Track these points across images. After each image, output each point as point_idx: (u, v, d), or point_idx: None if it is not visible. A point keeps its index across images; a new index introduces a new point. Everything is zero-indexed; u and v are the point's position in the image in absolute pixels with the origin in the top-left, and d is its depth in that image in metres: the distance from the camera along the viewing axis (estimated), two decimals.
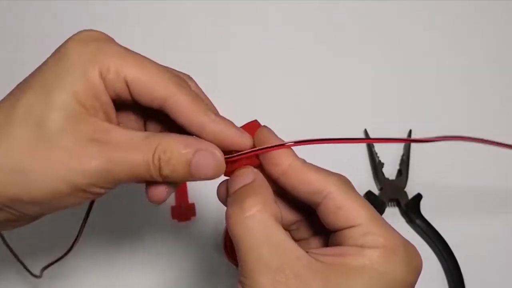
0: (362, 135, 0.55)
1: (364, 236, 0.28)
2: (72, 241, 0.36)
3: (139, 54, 0.30)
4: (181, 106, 0.29)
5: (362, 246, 0.27)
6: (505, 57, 0.59)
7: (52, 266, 0.39)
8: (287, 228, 0.33)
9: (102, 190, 0.29)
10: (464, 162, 0.54)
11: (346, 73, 0.57)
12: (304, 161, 0.30)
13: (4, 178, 0.27)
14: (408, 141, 0.54)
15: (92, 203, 0.34)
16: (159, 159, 0.28)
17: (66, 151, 0.27)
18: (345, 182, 0.29)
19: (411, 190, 0.51)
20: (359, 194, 0.29)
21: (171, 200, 0.50)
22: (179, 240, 0.50)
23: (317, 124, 0.55)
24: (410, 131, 0.54)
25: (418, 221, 0.50)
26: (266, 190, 0.29)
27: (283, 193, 0.31)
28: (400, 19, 0.60)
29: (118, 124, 0.31)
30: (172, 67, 0.32)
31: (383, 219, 0.29)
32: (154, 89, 0.29)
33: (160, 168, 0.28)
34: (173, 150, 0.28)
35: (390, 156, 0.53)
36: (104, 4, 0.58)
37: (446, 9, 0.60)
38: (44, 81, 0.28)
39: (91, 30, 0.30)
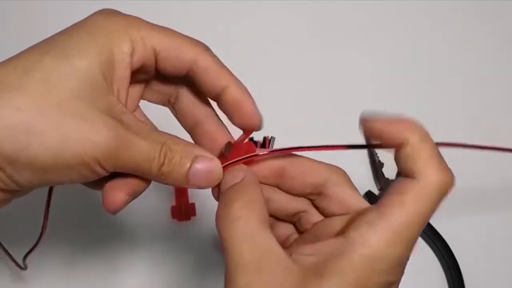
0: (362, 135, 0.54)
1: (351, 226, 0.28)
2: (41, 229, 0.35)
3: (165, 26, 0.30)
4: (209, 67, 0.30)
5: (345, 236, 0.27)
6: (506, 57, 0.59)
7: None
8: (290, 219, 0.34)
9: (100, 171, 0.28)
10: (464, 161, 0.54)
11: (346, 73, 0.57)
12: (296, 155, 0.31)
13: (6, 132, 0.25)
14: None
15: (51, 189, 0.33)
16: (165, 155, 0.28)
17: (80, 118, 0.26)
18: (341, 172, 0.32)
19: None
20: (353, 184, 0.31)
21: (171, 200, 0.50)
22: (179, 240, 0.50)
23: (317, 124, 0.55)
24: None
25: None
26: (254, 190, 0.29)
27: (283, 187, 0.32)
28: (400, 18, 0.60)
29: (144, 98, 0.32)
30: None
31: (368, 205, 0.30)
32: (184, 53, 0.29)
33: (162, 164, 0.28)
34: (179, 150, 0.29)
35: (390, 156, 0.53)
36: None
37: (447, 8, 0.60)
38: (68, 46, 0.27)
39: (109, 8, 0.30)
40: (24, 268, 0.41)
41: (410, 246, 0.27)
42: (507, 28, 0.61)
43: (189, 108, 0.33)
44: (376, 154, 0.53)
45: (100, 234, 0.49)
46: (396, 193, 0.28)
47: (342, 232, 0.28)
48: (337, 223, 0.30)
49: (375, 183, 0.53)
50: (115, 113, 0.28)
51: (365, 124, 0.31)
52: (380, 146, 0.30)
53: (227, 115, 0.31)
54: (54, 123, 0.26)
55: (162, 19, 0.60)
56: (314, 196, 0.32)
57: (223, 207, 0.29)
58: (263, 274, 0.26)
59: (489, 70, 0.58)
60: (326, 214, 0.31)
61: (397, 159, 0.30)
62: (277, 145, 0.46)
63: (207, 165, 0.29)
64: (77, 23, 0.29)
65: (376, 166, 0.52)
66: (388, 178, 0.52)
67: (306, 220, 0.33)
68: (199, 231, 0.50)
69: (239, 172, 0.30)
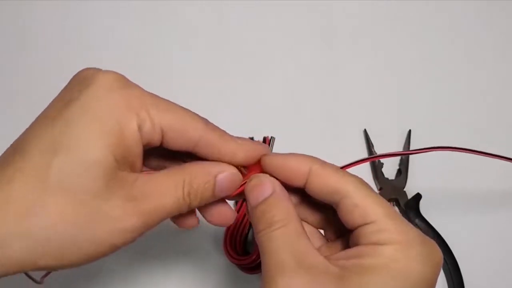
0: (362, 135, 0.55)
1: (379, 233, 0.28)
2: None
3: (165, 99, 0.30)
4: (213, 141, 0.30)
5: (376, 243, 0.28)
6: (505, 57, 0.59)
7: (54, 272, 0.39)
8: (316, 226, 0.34)
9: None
10: (464, 162, 0.54)
11: (345, 73, 0.58)
12: (322, 163, 0.31)
13: (42, 249, 0.26)
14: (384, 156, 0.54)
15: None
16: (189, 194, 0.30)
17: (105, 216, 0.27)
18: (362, 182, 0.30)
19: (410, 190, 0.51)
20: (376, 193, 0.30)
21: None
22: (180, 241, 0.50)
23: (317, 124, 0.55)
24: (409, 131, 0.54)
25: (417, 221, 0.50)
26: (287, 202, 0.31)
27: (305, 196, 0.33)
28: (400, 18, 0.60)
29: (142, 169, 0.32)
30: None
31: (399, 215, 0.29)
32: (189, 132, 0.29)
33: (190, 203, 0.30)
34: (199, 181, 0.30)
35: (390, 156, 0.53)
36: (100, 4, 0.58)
37: (445, 9, 0.60)
38: (73, 138, 0.26)
39: (108, 71, 0.28)
40: (39, 282, 0.41)
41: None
42: None
43: None
44: (376, 153, 0.53)
45: None
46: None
47: (373, 242, 0.28)
48: (362, 236, 0.29)
49: (375, 183, 0.53)
50: (128, 187, 0.28)
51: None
52: None
53: None
54: (83, 230, 0.26)
55: (157, 21, 0.60)
56: (334, 206, 0.31)
57: (262, 222, 0.30)
58: (302, 274, 0.27)
59: (490, 72, 0.58)
60: (349, 225, 0.30)
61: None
62: (277, 145, 0.46)
63: (227, 175, 0.31)
64: (73, 101, 0.27)
65: (376, 166, 0.52)
66: (387, 178, 0.52)
67: (331, 230, 0.34)
68: (199, 232, 0.50)
69: (267, 185, 0.31)
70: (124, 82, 0.28)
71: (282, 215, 0.29)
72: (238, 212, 0.47)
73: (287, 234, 0.29)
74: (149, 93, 0.29)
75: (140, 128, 0.28)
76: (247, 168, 0.32)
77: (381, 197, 0.30)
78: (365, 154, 0.54)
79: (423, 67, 0.58)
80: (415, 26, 0.60)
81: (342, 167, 0.34)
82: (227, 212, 0.33)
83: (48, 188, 0.26)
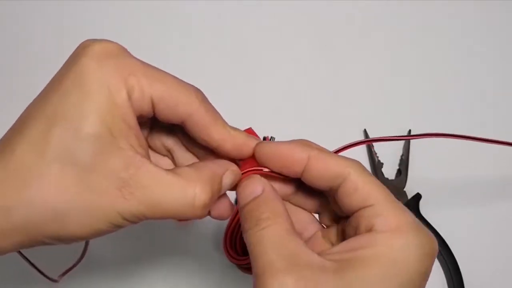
0: (362, 135, 0.55)
1: (376, 217, 0.28)
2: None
3: (159, 69, 0.29)
4: (203, 122, 0.30)
5: (372, 229, 0.28)
6: (505, 57, 0.59)
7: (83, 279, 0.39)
8: (314, 211, 0.34)
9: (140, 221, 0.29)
10: (464, 162, 0.54)
11: (345, 73, 0.58)
12: (319, 148, 0.30)
13: (39, 218, 0.26)
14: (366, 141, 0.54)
15: None
16: (197, 201, 0.29)
17: (100, 193, 0.27)
18: (361, 166, 0.30)
19: (410, 190, 0.51)
20: (375, 178, 0.30)
21: None
22: (179, 241, 0.50)
23: (317, 124, 0.55)
24: (409, 131, 0.54)
25: None
26: (277, 201, 0.30)
27: (300, 185, 0.32)
28: (400, 19, 0.60)
29: (149, 145, 0.31)
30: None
31: (397, 201, 0.29)
32: (179, 106, 0.29)
33: (195, 209, 0.29)
34: (208, 189, 0.29)
35: (389, 156, 0.53)
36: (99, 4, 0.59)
37: (444, 9, 0.60)
38: (69, 109, 0.27)
39: (103, 40, 0.28)
40: (56, 280, 0.41)
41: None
42: None
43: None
44: (376, 154, 0.53)
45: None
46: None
47: (369, 229, 0.28)
48: (360, 220, 0.29)
49: None
50: (132, 169, 0.27)
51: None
52: None
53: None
54: (79, 202, 0.26)
55: (156, 20, 0.60)
56: (333, 190, 0.30)
57: (249, 220, 0.29)
58: (295, 274, 0.26)
59: (489, 72, 0.58)
60: (347, 210, 0.30)
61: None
62: None
63: (229, 174, 0.31)
64: (68, 72, 0.27)
65: (376, 166, 0.52)
66: (387, 178, 0.52)
67: (325, 216, 0.33)
68: (199, 231, 0.50)
69: (257, 185, 0.31)
70: (117, 51, 0.28)
71: (270, 213, 0.29)
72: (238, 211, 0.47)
73: (276, 233, 0.28)
74: (142, 62, 0.29)
75: (129, 96, 0.27)
76: (241, 162, 0.32)
77: (380, 182, 0.29)
78: (365, 154, 0.54)
79: (423, 67, 0.58)
80: (415, 26, 0.60)
81: (335, 152, 0.33)
82: (226, 205, 0.33)
83: (47, 157, 0.26)
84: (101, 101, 0.27)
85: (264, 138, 0.49)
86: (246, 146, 0.31)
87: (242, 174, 0.32)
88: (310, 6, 0.60)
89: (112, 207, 0.27)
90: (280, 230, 0.28)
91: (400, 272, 0.27)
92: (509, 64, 0.59)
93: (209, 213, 0.32)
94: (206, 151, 0.33)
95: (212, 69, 0.57)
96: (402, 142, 0.54)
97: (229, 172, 0.31)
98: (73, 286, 0.47)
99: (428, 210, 0.51)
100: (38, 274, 0.44)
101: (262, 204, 0.30)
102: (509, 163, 0.53)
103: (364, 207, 0.29)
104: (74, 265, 0.40)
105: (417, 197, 0.51)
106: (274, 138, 0.49)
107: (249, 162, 0.32)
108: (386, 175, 0.52)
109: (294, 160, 0.30)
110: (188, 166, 0.30)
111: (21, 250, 0.34)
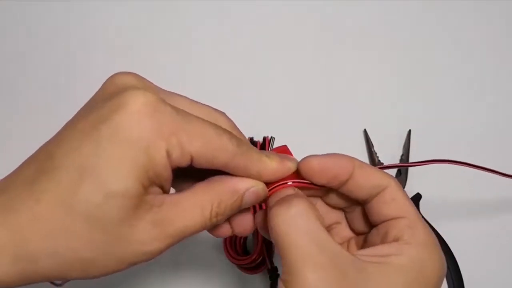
0: (362, 135, 0.55)
1: (409, 228, 0.30)
2: None
3: (197, 119, 0.29)
4: (240, 167, 0.30)
5: (401, 239, 0.29)
6: (506, 57, 0.59)
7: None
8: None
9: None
10: (464, 161, 0.54)
11: (345, 73, 0.58)
12: (360, 161, 0.32)
13: (69, 266, 0.27)
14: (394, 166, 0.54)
15: None
16: (216, 215, 0.30)
17: (129, 242, 0.27)
18: (399, 183, 0.32)
19: (410, 190, 0.51)
20: (408, 196, 0.32)
21: None
22: (182, 243, 0.50)
23: (317, 124, 0.55)
24: (409, 131, 0.54)
25: None
26: (307, 199, 0.31)
27: (326, 198, 0.34)
28: (400, 19, 0.60)
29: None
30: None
31: (423, 219, 0.31)
32: (217, 159, 0.29)
33: (216, 222, 0.30)
34: (227, 202, 0.30)
35: (389, 156, 0.53)
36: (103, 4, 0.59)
37: (446, 9, 0.60)
38: (101, 163, 0.26)
39: (141, 94, 0.27)
40: (60, 284, 0.41)
41: None
42: None
43: None
44: (376, 154, 0.53)
45: None
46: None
47: (398, 239, 0.30)
48: (390, 229, 0.31)
49: None
50: (156, 209, 0.28)
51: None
52: None
53: None
54: (104, 251, 0.27)
55: (158, 22, 0.60)
56: (369, 199, 0.32)
57: (281, 204, 0.29)
58: (335, 269, 0.27)
59: (490, 72, 0.58)
60: (379, 217, 0.32)
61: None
62: (277, 145, 0.46)
63: (254, 191, 0.31)
64: (104, 123, 0.26)
65: (376, 166, 0.52)
66: None
67: (336, 232, 0.35)
68: (200, 233, 0.50)
69: (289, 190, 0.32)
70: (155, 105, 0.27)
71: (304, 201, 0.29)
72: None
73: (309, 222, 0.28)
74: (180, 115, 0.28)
75: (169, 155, 0.27)
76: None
77: (411, 200, 0.32)
78: (364, 154, 0.54)
79: (423, 67, 0.58)
80: (415, 26, 0.60)
81: None
82: (248, 221, 0.33)
83: (74, 212, 0.26)
84: (138, 159, 0.26)
85: (264, 138, 0.49)
86: (283, 171, 0.31)
87: (271, 190, 0.32)
88: (310, 6, 0.60)
89: (137, 251, 0.27)
90: (313, 218, 0.29)
91: (422, 282, 0.29)
92: (511, 64, 0.59)
93: (232, 230, 0.33)
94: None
95: (211, 69, 0.57)
96: (402, 142, 0.54)
97: (254, 189, 0.31)
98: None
99: (428, 210, 0.51)
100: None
101: (294, 196, 0.30)
102: (509, 162, 0.53)
103: (396, 218, 0.31)
104: None
105: (417, 197, 0.51)
106: (274, 138, 0.50)
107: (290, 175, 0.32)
108: None
109: (342, 170, 0.31)
110: (205, 180, 0.30)
111: None
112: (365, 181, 0.31)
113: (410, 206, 0.31)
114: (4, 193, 0.27)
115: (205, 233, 0.50)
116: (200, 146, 0.28)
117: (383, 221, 0.31)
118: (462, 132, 0.55)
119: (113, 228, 0.26)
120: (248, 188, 0.30)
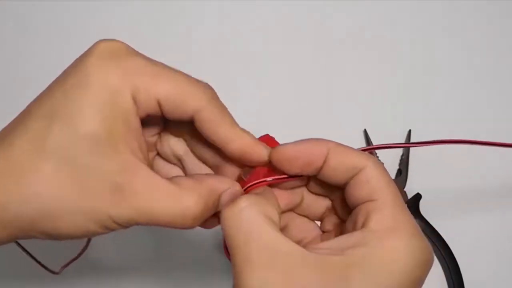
0: (362, 135, 0.55)
1: (374, 213, 0.27)
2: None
3: (167, 66, 0.29)
4: (211, 120, 0.29)
5: (366, 225, 0.27)
6: (506, 57, 0.59)
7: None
8: (318, 218, 0.34)
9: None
10: (464, 162, 0.54)
11: (345, 73, 0.58)
12: (336, 142, 0.30)
13: (32, 214, 0.26)
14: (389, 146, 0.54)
15: None
16: (186, 208, 0.28)
17: (93, 195, 0.26)
18: (379, 162, 0.30)
19: (410, 190, 0.51)
20: (391, 178, 0.29)
21: None
22: (179, 241, 0.50)
23: (317, 124, 0.55)
24: (409, 131, 0.54)
25: (417, 221, 0.50)
26: (267, 194, 0.30)
27: (311, 187, 0.32)
28: (400, 19, 0.60)
29: (158, 152, 0.31)
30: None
31: (402, 203, 0.28)
32: (187, 103, 0.28)
33: (193, 223, 0.29)
34: (207, 200, 0.29)
35: (389, 156, 0.53)
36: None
37: (446, 9, 0.60)
38: (69, 107, 0.27)
39: (109, 40, 0.28)
40: (57, 273, 0.41)
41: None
42: None
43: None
44: (376, 154, 0.53)
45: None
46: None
47: (364, 225, 0.27)
48: (359, 214, 0.28)
49: None
50: (128, 175, 0.27)
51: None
52: None
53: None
54: (72, 202, 0.26)
55: (158, 20, 0.60)
56: (347, 181, 0.30)
57: (227, 207, 0.28)
58: (277, 268, 0.25)
59: (490, 72, 0.58)
60: (353, 202, 0.29)
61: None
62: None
63: (230, 192, 0.30)
64: (72, 72, 0.27)
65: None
66: None
67: (329, 220, 0.33)
68: (199, 231, 0.50)
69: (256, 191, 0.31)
70: (123, 50, 0.28)
71: (251, 198, 0.28)
72: None
73: (252, 221, 0.27)
74: (149, 61, 0.28)
75: (133, 97, 0.27)
76: (251, 172, 0.31)
77: (392, 182, 0.29)
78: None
79: (423, 67, 0.58)
80: (415, 26, 0.60)
81: None
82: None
83: (44, 153, 0.26)
84: (103, 101, 0.27)
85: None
86: (253, 149, 0.30)
87: (246, 189, 0.31)
88: (310, 6, 0.60)
89: (104, 210, 0.27)
90: (258, 216, 0.27)
91: (386, 278, 0.25)
92: (511, 64, 0.59)
93: (203, 225, 0.32)
94: (216, 159, 0.32)
95: (211, 69, 0.57)
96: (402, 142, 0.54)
97: (230, 190, 0.30)
98: (74, 278, 0.47)
99: (428, 210, 0.51)
100: (38, 266, 0.44)
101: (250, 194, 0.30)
102: (510, 162, 0.53)
103: (368, 201, 0.28)
104: (76, 257, 0.40)
105: (417, 197, 0.51)
106: (274, 138, 0.49)
107: (257, 172, 0.31)
108: None
109: (315, 156, 0.29)
110: (189, 176, 0.30)
111: (20, 242, 0.35)
112: (340, 163, 0.29)
113: (386, 188, 0.28)
114: None
115: (205, 232, 0.50)
116: (167, 88, 0.28)
117: (356, 206, 0.29)
118: (463, 132, 0.55)
119: (80, 174, 0.26)
120: (224, 188, 0.30)
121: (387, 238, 0.26)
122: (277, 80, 0.57)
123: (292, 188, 0.33)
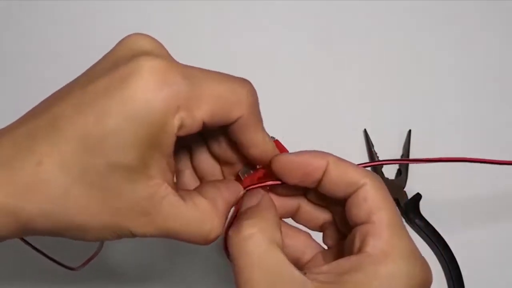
0: (362, 135, 0.55)
1: (371, 237, 0.27)
2: None
3: (207, 74, 0.28)
4: (248, 126, 0.29)
5: (363, 250, 0.27)
6: (505, 57, 0.59)
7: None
8: (317, 230, 0.34)
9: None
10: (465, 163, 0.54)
11: (345, 73, 0.58)
12: (337, 157, 0.30)
13: (57, 226, 0.27)
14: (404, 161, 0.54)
15: None
16: (210, 231, 0.29)
17: (121, 217, 0.27)
18: (379, 179, 0.29)
19: (410, 190, 0.51)
20: (388, 194, 0.29)
21: None
22: (182, 244, 0.50)
23: (317, 124, 0.55)
24: (409, 131, 0.54)
25: (417, 221, 0.50)
26: (269, 213, 0.30)
27: (310, 196, 0.33)
28: (400, 18, 0.60)
29: (176, 169, 0.31)
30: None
31: (401, 224, 0.28)
32: (230, 116, 0.28)
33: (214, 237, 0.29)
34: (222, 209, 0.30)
35: (389, 156, 0.53)
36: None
37: (447, 8, 0.60)
38: (106, 135, 0.25)
39: (153, 64, 0.26)
40: (75, 269, 0.41)
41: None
42: None
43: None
44: (376, 154, 0.53)
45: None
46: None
47: (361, 249, 0.28)
48: (356, 237, 0.29)
49: None
50: (154, 201, 0.27)
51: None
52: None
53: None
54: (96, 218, 0.27)
55: (168, 19, 0.60)
56: (345, 198, 0.30)
57: (236, 225, 0.29)
58: None
59: (490, 72, 0.58)
60: (351, 222, 0.30)
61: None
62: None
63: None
64: (116, 85, 0.25)
65: (376, 167, 0.52)
66: (387, 178, 0.52)
67: (329, 234, 0.33)
68: None
69: (254, 196, 0.31)
70: (165, 75, 0.26)
71: (257, 223, 0.28)
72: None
73: (257, 246, 0.27)
74: (190, 78, 0.27)
75: (179, 126, 0.26)
76: (256, 170, 0.32)
77: (392, 202, 0.29)
78: (365, 154, 0.54)
79: (423, 67, 0.58)
80: (415, 26, 0.60)
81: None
82: None
83: (74, 179, 0.25)
84: (142, 133, 0.25)
85: None
86: (269, 157, 0.31)
87: (247, 190, 0.32)
88: (310, 5, 0.60)
89: (127, 227, 0.27)
90: (263, 241, 0.27)
91: None
92: (510, 64, 0.59)
93: None
94: (228, 153, 0.32)
95: (211, 69, 0.57)
96: (402, 142, 0.54)
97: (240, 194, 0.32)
98: (92, 275, 0.47)
99: (428, 210, 0.51)
100: (40, 267, 0.44)
101: (252, 213, 0.30)
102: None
103: (365, 223, 0.28)
104: (92, 257, 0.40)
105: (417, 197, 0.51)
106: (274, 138, 0.50)
107: (260, 172, 0.32)
108: (386, 175, 0.52)
109: (314, 167, 0.29)
110: (205, 197, 0.29)
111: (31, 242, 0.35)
112: (339, 178, 0.29)
113: (383, 209, 0.28)
114: (2, 147, 0.26)
115: None
116: (213, 108, 0.27)
117: (354, 226, 0.29)
118: (463, 132, 0.55)
119: (110, 199, 0.26)
120: (236, 198, 0.31)
121: (383, 264, 0.26)
122: (277, 80, 0.57)
123: (289, 196, 0.33)
